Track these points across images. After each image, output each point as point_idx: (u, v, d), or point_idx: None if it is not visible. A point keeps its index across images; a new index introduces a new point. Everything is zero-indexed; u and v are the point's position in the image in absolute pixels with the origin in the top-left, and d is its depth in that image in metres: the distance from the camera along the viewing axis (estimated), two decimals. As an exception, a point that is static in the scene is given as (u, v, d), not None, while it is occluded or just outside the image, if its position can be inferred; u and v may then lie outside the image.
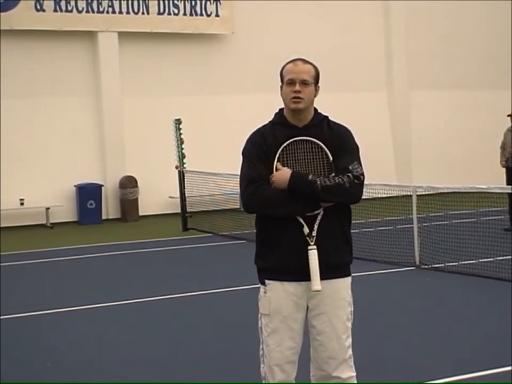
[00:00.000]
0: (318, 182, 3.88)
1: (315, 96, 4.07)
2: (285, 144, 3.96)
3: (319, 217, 3.96)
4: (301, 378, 4.20)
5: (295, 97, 3.97)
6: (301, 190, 3.90)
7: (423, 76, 20.92)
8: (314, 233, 3.93)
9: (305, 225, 3.93)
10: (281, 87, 4.08)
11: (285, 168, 3.94)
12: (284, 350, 4.00)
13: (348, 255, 4.11)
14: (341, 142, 4.04)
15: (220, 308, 8.46)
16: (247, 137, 4.13)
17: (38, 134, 17.29)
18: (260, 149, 3.99)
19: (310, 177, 3.90)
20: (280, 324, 3.99)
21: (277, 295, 3.99)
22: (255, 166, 3.97)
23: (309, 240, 3.92)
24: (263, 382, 4.09)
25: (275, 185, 3.92)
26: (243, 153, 4.08)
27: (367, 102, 20.29)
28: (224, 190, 15.57)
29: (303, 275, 3.93)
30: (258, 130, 4.11)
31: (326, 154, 3.99)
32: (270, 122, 4.14)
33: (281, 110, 4.14)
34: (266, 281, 4.04)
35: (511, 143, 12.96)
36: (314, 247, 3.91)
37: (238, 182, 4.09)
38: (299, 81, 3.97)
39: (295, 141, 3.97)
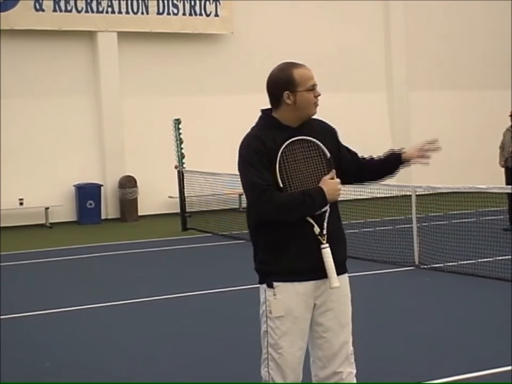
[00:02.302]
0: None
1: None
2: (284, 145, 3.93)
3: (327, 215, 3.96)
4: (305, 378, 4.19)
5: (316, 103, 4.00)
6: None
7: (423, 76, 20.92)
8: (324, 232, 3.94)
9: (315, 225, 3.93)
10: (289, 95, 3.93)
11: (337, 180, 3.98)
12: (296, 351, 3.98)
13: (346, 251, 4.17)
14: (335, 135, 4.14)
15: (219, 308, 8.46)
16: (243, 142, 4.00)
17: (37, 134, 17.28)
18: (263, 155, 3.91)
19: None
20: (292, 325, 3.96)
21: (287, 297, 3.95)
22: (262, 173, 3.88)
23: (321, 239, 3.92)
24: (266, 383, 4.05)
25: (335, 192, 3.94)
26: (245, 160, 3.95)
27: (367, 102, 20.29)
28: (223, 190, 15.56)
29: (313, 274, 3.93)
30: (254, 135, 3.99)
31: (323, 151, 3.99)
32: (260, 125, 4.04)
33: (266, 112, 4.07)
34: (275, 284, 3.98)
35: (510, 143, 12.96)
36: (327, 245, 3.91)
37: (244, 190, 3.97)
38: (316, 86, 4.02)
39: (293, 141, 3.94)
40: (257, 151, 3.91)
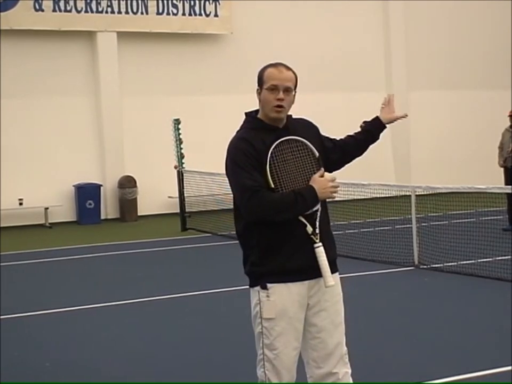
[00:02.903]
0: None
1: (293, 102, 4.04)
2: (273, 146, 3.93)
3: (318, 214, 3.97)
4: (300, 378, 4.20)
5: (278, 106, 3.93)
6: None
7: (422, 76, 20.92)
8: (317, 231, 3.94)
9: (308, 224, 3.93)
10: (259, 90, 4.03)
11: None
12: (290, 351, 3.99)
13: (336, 250, 4.18)
14: (317, 132, 4.17)
15: (218, 308, 8.46)
16: (230, 145, 4.02)
17: (37, 134, 17.29)
18: (252, 157, 3.92)
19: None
20: (286, 325, 3.97)
21: (281, 298, 3.96)
22: (252, 175, 3.90)
23: (314, 238, 3.93)
24: (262, 383, 4.06)
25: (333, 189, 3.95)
26: (234, 163, 3.97)
27: (366, 102, 20.23)
28: (223, 190, 15.57)
29: (306, 274, 3.94)
30: (242, 137, 4.01)
31: (311, 150, 4.00)
32: (246, 128, 4.06)
33: (252, 114, 4.10)
34: (269, 285, 3.98)
35: (509, 143, 12.97)
36: (320, 244, 3.93)
37: (234, 193, 4.01)
38: (283, 89, 3.94)
39: (282, 142, 3.95)
40: (246, 153, 3.93)
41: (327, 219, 4.11)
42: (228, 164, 4.02)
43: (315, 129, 4.19)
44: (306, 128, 4.12)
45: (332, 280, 3.91)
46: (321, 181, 3.93)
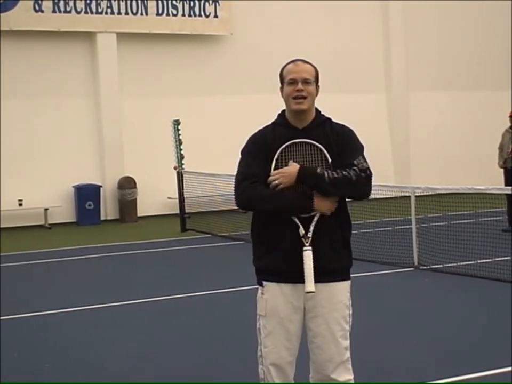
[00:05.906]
0: (326, 175, 3.88)
1: (316, 95, 4.06)
2: (283, 146, 3.95)
3: (316, 219, 3.93)
4: (301, 378, 4.20)
5: (297, 97, 3.96)
6: (308, 183, 3.90)
7: (422, 77, 20.92)
8: (309, 234, 3.91)
9: (301, 226, 3.91)
10: (281, 88, 4.08)
11: (294, 163, 3.94)
12: (281, 350, 4.00)
13: (348, 259, 4.09)
14: (345, 143, 4.03)
15: (218, 309, 8.46)
16: (248, 137, 4.15)
17: (36, 135, 17.28)
18: (258, 148, 4.00)
19: (318, 170, 3.90)
20: (276, 325, 3.99)
21: (273, 297, 3.98)
22: (250, 164, 3.99)
23: (304, 241, 3.90)
24: (262, 382, 4.08)
25: (282, 179, 3.89)
26: (242, 151, 4.11)
27: (366, 103, 20.29)
28: (222, 191, 15.57)
29: (299, 277, 3.90)
30: (260, 130, 4.13)
31: (325, 156, 3.97)
32: (272, 123, 4.15)
33: (283, 111, 4.14)
34: (264, 283, 4.03)
35: (509, 144, 12.97)
36: (309, 248, 3.88)
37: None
38: (301, 80, 3.98)
39: (294, 143, 3.96)
40: (255, 144, 4.05)
41: (337, 228, 4.02)
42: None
43: (343, 136, 4.05)
44: (334, 135, 4.03)
45: (312, 287, 3.84)
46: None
